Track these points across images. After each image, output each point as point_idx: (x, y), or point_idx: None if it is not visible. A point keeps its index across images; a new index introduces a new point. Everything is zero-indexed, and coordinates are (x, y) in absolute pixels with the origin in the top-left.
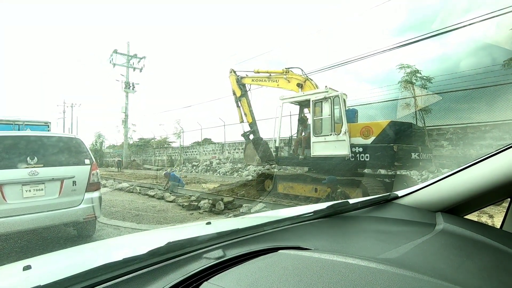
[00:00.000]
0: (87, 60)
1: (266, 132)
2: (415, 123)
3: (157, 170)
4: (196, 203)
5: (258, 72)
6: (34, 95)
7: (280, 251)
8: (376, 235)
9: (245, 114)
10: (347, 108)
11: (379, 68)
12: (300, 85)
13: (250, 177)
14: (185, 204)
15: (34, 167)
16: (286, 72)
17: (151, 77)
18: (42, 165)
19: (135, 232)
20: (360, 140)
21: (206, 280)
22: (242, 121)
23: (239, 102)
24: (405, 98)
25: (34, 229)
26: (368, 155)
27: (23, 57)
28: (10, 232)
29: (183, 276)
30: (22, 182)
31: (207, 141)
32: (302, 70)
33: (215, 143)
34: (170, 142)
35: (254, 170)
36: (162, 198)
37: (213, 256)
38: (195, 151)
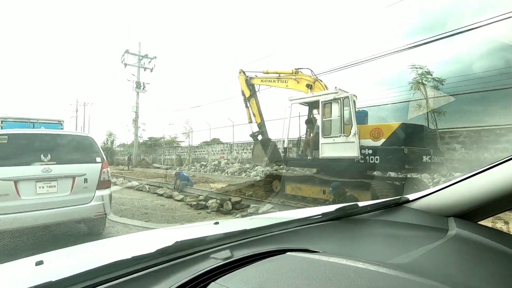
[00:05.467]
0: (99, 60)
1: (275, 133)
2: (426, 125)
3: (166, 169)
4: (204, 203)
5: (268, 73)
6: (49, 94)
7: (288, 253)
8: (386, 240)
9: (253, 114)
10: (357, 110)
11: (390, 70)
12: (309, 86)
13: (258, 178)
14: (193, 203)
15: (47, 164)
16: (295, 73)
17: (161, 77)
18: (55, 162)
19: (144, 230)
20: (370, 142)
21: (214, 280)
22: (250, 122)
23: (248, 102)
24: (416, 100)
25: (47, 225)
26: (378, 157)
27: (38, 58)
28: (24, 227)
29: (191, 275)
30: (35, 179)
31: (215, 141)
32: (311, 70)
33: (223, 143)
34: (179, 141)
35: (262, 171)
36: (170, 197)
37: (221, 256)
38: (203, 151)
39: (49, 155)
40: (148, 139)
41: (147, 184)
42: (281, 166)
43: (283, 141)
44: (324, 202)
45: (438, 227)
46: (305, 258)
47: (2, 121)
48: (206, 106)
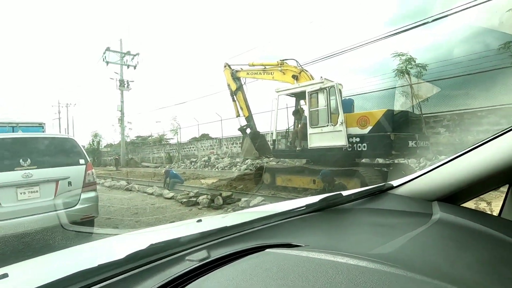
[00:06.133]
0: (80, 59)
1: (263, 126)
2: (411, 111)
3: (155, 167)
4: (195, 199)
5: (253, 65)
6: (30, 96)
7: (267, 249)
8: (371, 228)
9: (241, 108)
10: (343, 99)
11: (373, 58)
12: (295, 77)
13: (248, 171)
14: (184, 200)
15: (27, 169)
16: (281, 64)
17: (145, 74)
18: (36, 166)
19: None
20: (357, 130)
21: (187, 285)
22: (238, 115)
23: (234, 96)
24: (401, 86)
25: (31, 232)
26: (365, 144)
27: (16, 57)
28: (5, 235)
29: (162, 281)
30: (16, 185)
31: (204, 137)
32: (297, 61)
33: (212, 138)
34: (168, 139)
35: (252, 164)
36: (160, 195)
37: (197, 257)
38: (193, 147)
39: (29, 160)
40: (135, 138)
41: (136, 184)
42: (270, 159)
43: (271, 133)
44: (315, 192)
45: (422, 212)
46: (284, 254)
47: None
48: (193, 101)
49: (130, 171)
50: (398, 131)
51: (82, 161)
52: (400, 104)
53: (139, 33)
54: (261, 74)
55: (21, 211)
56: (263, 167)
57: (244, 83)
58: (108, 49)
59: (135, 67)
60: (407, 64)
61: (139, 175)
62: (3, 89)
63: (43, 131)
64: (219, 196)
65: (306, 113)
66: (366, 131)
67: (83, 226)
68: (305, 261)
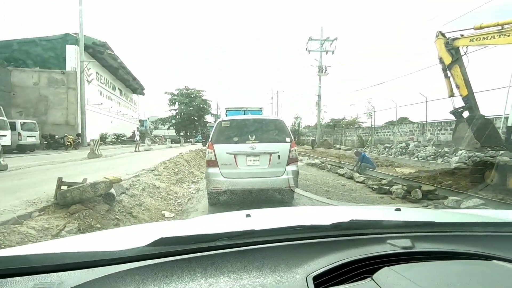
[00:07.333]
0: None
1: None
2: None
3: (347, 150)
4: (387, 188)
5: (481, 28)
6: (251, 86)
7: (495, 261)
8: None
9: (457, 85)
10: None
11: None
12: None
13: (461, 165)
14: (375, 186)
15: (253, 142)
16: None
17: (342, 57)
18: (258, 141)
19: (324, 205)
20: None
21: (388, 265)
22: (452, 95)
23: (448, 71)
24: None
25: (253, 189)
26: None
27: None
28: (240, 189)
29: (365, 254)
30: (246, 154)
31: (403, 121)
32: None
33: (413, 122)
34: (361, 122)
35: (469, 157)
36: (351, 178)
37: (399, 244)
38: (388, 132)
39: (254, 135)
40: (329, 120)
41: (329, 164)
42: (499, 152)
43: (505, 118)
44: None
45: None
46: None
47: (226, 110)
48: (392, 81)
49: (324, 151)
50: None
51: (288, 139)
52: None
53: (335, 18)
54: (493, 38)
55: (249, 173)
56: (486, 161)
57: (465, 53)
58: (310, 38)
59: (333, 52)
60: None
61: (331, 156)
62: (241, 84)
63: (261, 114)
64: (417, 189)
65: None
66: None
67: (286, 192)
68: None
